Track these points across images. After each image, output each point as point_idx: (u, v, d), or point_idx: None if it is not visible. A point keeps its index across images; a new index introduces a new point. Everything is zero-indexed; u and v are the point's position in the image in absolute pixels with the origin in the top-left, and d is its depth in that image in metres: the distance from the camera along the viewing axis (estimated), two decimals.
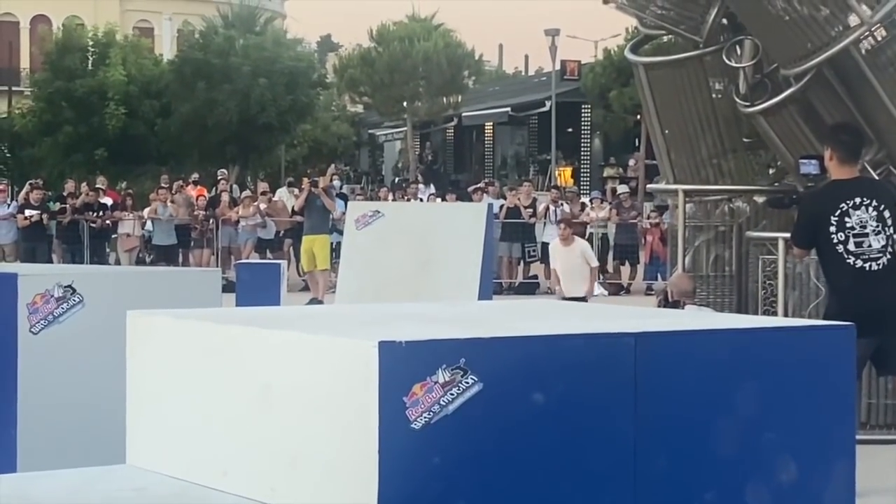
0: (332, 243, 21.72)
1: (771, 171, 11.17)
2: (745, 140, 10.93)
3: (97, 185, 25.65)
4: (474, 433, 3.64)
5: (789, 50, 9.75)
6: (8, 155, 40.07)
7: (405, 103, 47.10)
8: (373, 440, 3.51)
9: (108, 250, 24.71)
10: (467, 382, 3.60)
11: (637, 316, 4.69)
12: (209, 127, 37.42)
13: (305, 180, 23.41)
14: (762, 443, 4.06)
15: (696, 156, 10.81)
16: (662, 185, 11.83)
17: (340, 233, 21.53)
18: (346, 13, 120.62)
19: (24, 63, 54.09)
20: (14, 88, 46.24)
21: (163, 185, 26.14)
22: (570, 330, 4.10)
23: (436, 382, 3.57)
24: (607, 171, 42.39)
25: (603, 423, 3.86)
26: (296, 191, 25.31)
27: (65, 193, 25.00)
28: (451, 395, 3.58)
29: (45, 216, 23.45)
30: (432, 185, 34.26)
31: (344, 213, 16.32)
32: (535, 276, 23.49)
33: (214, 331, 4.24)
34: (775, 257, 10.08)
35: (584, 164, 45.55)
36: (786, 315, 9.73)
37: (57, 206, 24.36)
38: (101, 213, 24.06)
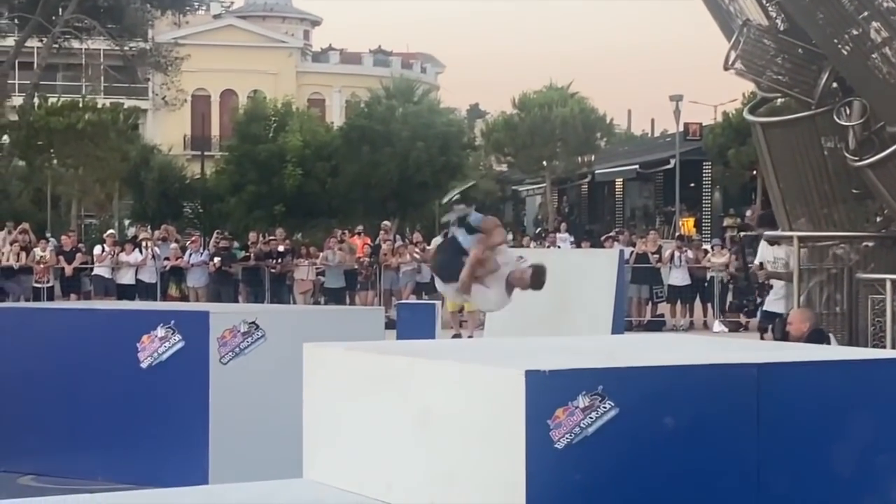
0: None
1: (878, 219, 10.90)
2: (854, 191, 10.68)
3: (275, 237, 26.03)
4: (611, 453, 3.59)
5: (895, 109, 9.52)
6: (201, 210, 40.89)
7: (544, 162, 47.00)
8: (520, 459, 3.48)
9: (286, 293, 25.00)
10: (605, 407, 3.56)
11: (759, 348, 4.60)
12: (372, 185, 37.83)
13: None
14: (876, 464, 3.94)
15: (810, 206, 10.59)
16: (779, 233, 11.60)
17: None
18: (491, 84, 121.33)
19: (215, 131, 55.34)
20: (206, 153, 47.29)
21: (333, 235, 26.43)
22: (697, 360, 4.03)
23: (576, 407, 3.54)
24: (727, 221, 41.74)
25: (728, 446, 3.78)
26: None
27: (249, 243, 25.42)
28: (591, 418, 3.55)
29: (231, 263, 23.84)
30: (569, 234, 34.10)
31: None
32: (662, 315, 23.21)
33: (380, 361, 4.26)
34: (883, 297, 9.82)
35: (705, 214, 44.99)
36: (894, 349, 9.46)
37: (242, 254, 24.76)
38: (279, 261, 24.40)
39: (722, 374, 3.82)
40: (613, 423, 3.57)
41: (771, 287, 10.25)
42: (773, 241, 9.88)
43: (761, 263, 11.64)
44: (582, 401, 3.54)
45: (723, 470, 3.76)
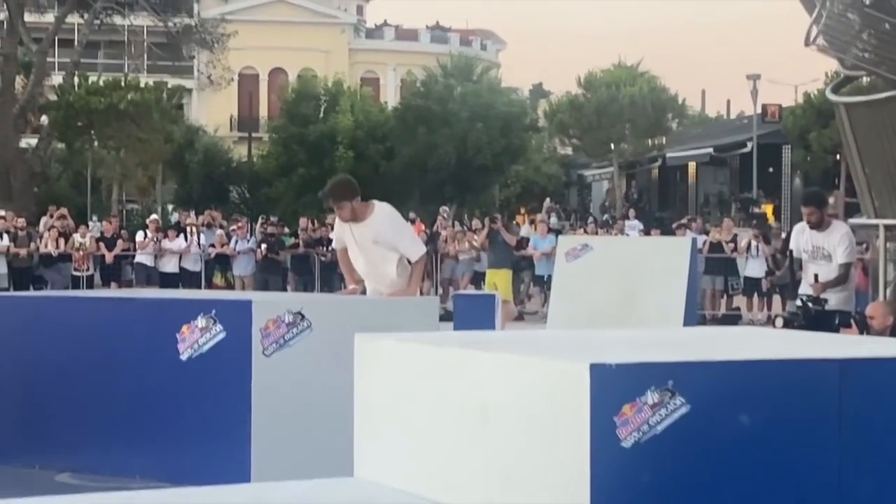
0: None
1: None
2: None
3: (326, 222, 26.09)
4: (682, 453, 3.55)
5: None
6: (248, 195, 41.15)
7: (612, 145, 46.90)
8: (584, 457, 3.45)
9: (337, 282, 25.06)
10: (676, 404, 3.52)
11: (841, 343, 4.53)
12: (429, 168, 37.88)
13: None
14: None
15: None
16: (863, 221, 11.47)
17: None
18: (556, 62, 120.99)
19: (263, 111, 55.63)
20: (254, 135, 47.55)
21: None
22: (775, 355, 3.97)
23: (645, 403, 3.49)
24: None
25: (808, 446, 3.72)
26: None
27: (300, 229, 25.52)
28: (660, 415, 3.50)
29: (279, 251, 23.93)
30: (638, 222, 34.00)
31: (554, 248, 16.27)
32: (738, 308, 23.07)
33: (436, 353, 4.24)
34: None
35: (784, 202, 44.63)
36: None
37: (291, 241, 24.88)
38: (330, 248, 24.45)
39: (801, 370, 3.76)
40: (684, 420, 3.52)
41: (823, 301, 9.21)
42: (814, 224, 9.13)
43: (798, 258, 9.63)
44: (651, 397, 3.50)
45: (802, 472, 3.71)
